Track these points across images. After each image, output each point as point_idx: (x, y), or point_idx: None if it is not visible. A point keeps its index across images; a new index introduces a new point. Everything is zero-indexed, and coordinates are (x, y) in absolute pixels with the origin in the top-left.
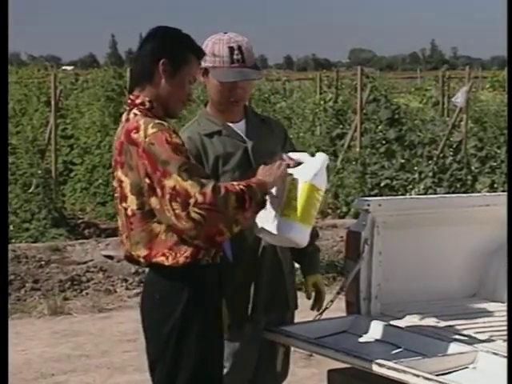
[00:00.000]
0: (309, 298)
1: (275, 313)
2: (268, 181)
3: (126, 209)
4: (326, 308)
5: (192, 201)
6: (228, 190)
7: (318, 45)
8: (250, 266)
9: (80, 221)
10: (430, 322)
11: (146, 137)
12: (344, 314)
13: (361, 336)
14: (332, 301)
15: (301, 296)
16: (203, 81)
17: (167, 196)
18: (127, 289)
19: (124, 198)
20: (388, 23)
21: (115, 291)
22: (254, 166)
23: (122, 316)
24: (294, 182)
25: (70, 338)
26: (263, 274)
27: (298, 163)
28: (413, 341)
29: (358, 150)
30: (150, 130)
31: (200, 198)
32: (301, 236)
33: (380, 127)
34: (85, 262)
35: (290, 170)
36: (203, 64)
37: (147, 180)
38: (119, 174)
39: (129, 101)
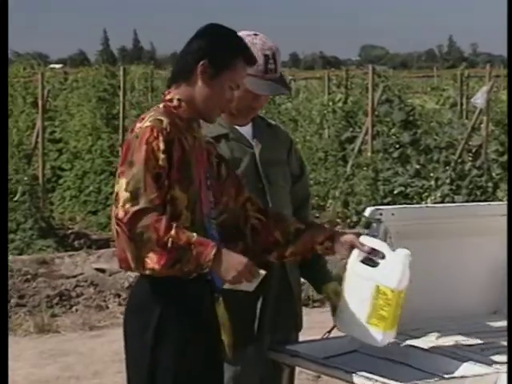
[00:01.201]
0: (334, 310)
1: (281, 332)
2: (219, 267)
3: None
4: (335, 326)
5: (115, 212)
6: (154, 224)
7: (327, 41)
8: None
9: (69, 231)
10: (448, 340)
11: (139, 128)
12: None
13: (372, 356)
14: None
15: (307, 313)
16: None
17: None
18: (120, 305)
19: None
20: (402, 18)
21: (107, 307)
22: (262, 175)
23: (115, 334)
24: (380, 288)
25: (58, 358)
26: (271, 289)
27: (373, 250)
28: (429, 361)
29: (369, 154)
30: (146, 123)
31: (120, 214)
32: (389, 340)
33: (393, 130)
34: (74, 276)
35: (365, 268)
36: None
37: (120, 168)
38: None
39: (162, 96)
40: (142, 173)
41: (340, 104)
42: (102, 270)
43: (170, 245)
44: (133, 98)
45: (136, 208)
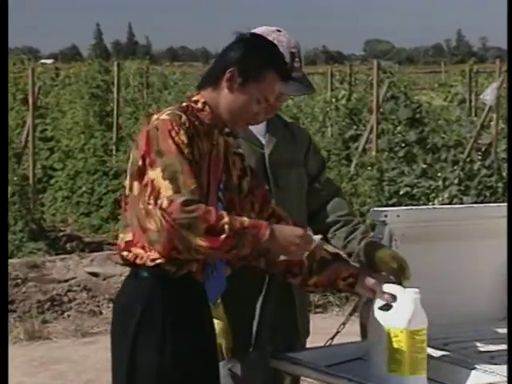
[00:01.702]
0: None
1: (283, 337)
2: (275, 244)
3: (124, 188)
4: (338, 332)
5: (159, 202)
6: (203, 215)
7: (329, 35)
8: (257, 279)
9: (61, 233)
10: (456, 347)
11: (156, 119)
12: (358, 339)
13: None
14: (344, 323)
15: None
16: None
17: (147, 187)
18: None
19: (125, 177)
20: (408, 10)
21: (101, 313)
22: (270, 178)
23: (108, 341)
24: (391, 331)
25: (49, 365)
26: (271, 291)
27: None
28: (437, 369)
29: (373, 153)
30: (164, 116)
31: (165, 204)
32: None
33: (399, 128)
34: (66, 280)
35: (381, 314)
36: None
37: (140, 162)
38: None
39: (189, 96)
40: (178, 161)
41: (343, 101)
42: (96, 274)
43: (227, 231)
44: (127, 95)
45: (181, 199)
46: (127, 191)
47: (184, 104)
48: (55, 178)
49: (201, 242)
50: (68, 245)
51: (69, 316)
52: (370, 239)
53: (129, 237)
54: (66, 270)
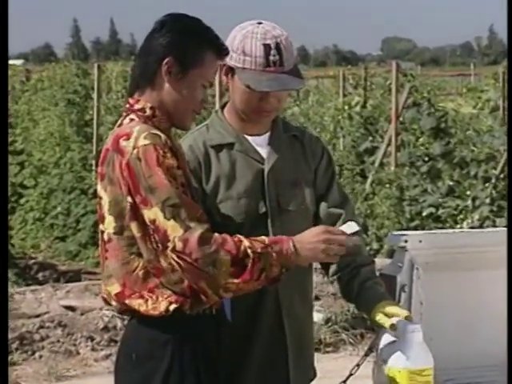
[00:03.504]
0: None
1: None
2: (303, 254)
3: (102, 232)
4: (351, 374)
5: (170, 245)
6: (223, 247)
7: (341, 32)
8: (242, 329)
9: (32, 261)
10: None
11: (134, 147)
12: None
13: None
14: (359, 365)
15: (318, 359)
16: (226, 81)
17: (148, 226)
18: (93, 350)
19: (102, 219)
20: (432, 3)
21: (78, 353)
22: (267, 197)
23: None
24: (390, 370)
25: None
26: (259, 337)
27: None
28: None
29: (392, 169)
30: (142, 141)
31: (179, 246)
32: None
33: (421, 140)
34: (38, 315)
35: (384, 351)
36: (228, 61)
37: (129, 199)
38: (99, 188)
39: (127, 105)
40: (174, 193)
41: (357, 108)
42: (72, 308)
43: (251, 256)
44: (109, 102)
45: (196, 234)
46: (109, 235)
47: (133, 116)
48: (26, 196)
49: (230, 279)
50: (40, 274)
51: (41, 357)
52: (366, 293)
53: (116, 288)
54: (38, 303)
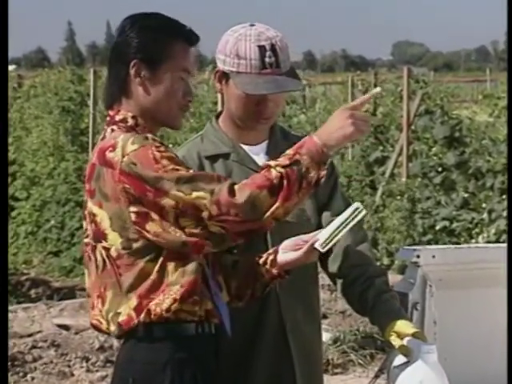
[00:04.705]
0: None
1: None
2: (333, 141)
3: (107, 249)
4: None
5: (205, 215)
6: (255, 184)
7: (350, 37)
8: (244, 347)
9: (24, 277)
10: None
11: (123, 155)
12: None
13: None
14: None
15: (326, 381)
16: (219, 88)
17: (171, 214)
18: (89, 371)
19: (102, 237)
20: (445, 6)
21: (72, 374)
22: None
23: None
24: None
25: None
26: (261, 353)
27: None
28: None
29: (404, 180)
30: (130, 147)
31: (214, 210)
32: None
33: (434, 149)
34: (30, 335)
35: (395, 374)
36: (222, 67)
37: (133, 208)
38: (90, 205)
39: (108, 118)
40: (178, 173)
41: None
42: (66, 327)
43: (283, 172)
44: (105, 109)
45: (224, 191)
46: (118, 251)
47: (115, 127)
48: (18, 209)
49: (274, 206)
50: (32, 291)
51: (33, 379)
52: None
53: (133, 303)
54: (30, 321)
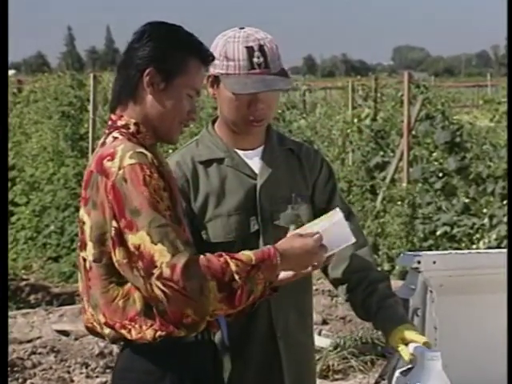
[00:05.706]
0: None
1: None
2: (291, 261)
3: (84, 260)
4: None
5: (156, 272)
6: (210, 270)
7: (350, 41)
8: (237, 354)
9: (23, 283)
10: None
11: (120, 168)
12: None
13: None
14: None
15: None
16: (212, 92)
17: (133, 252)
18: (88, 377)
19: (83, 246)
20: (446, 10)
21: (72, 380)
22: (260, 214)
23: None
24: None
25: None
26: (251, 361)
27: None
28: None
29: (404, 185)
30: (127, 161)
31: (166, 273)
32: None
33: (435, 154)
34: (30, 341)
35: (400, 380)
36: (212, 70)
37: (115, 223)
38: (81, 212)
39: (109, 122)
40: (156, 215)
41: (367, 121)
42: (66, 333)
43: (238, 281)
44: (105, 114)
45: (183, 260)
46: (90, 263)
47: (117, 134)
48: (17, 214)
49: (218, 306)
50: (32, 297)
51: None
52: (386, 312)
53: (102, 318)
54: (30, 327)
